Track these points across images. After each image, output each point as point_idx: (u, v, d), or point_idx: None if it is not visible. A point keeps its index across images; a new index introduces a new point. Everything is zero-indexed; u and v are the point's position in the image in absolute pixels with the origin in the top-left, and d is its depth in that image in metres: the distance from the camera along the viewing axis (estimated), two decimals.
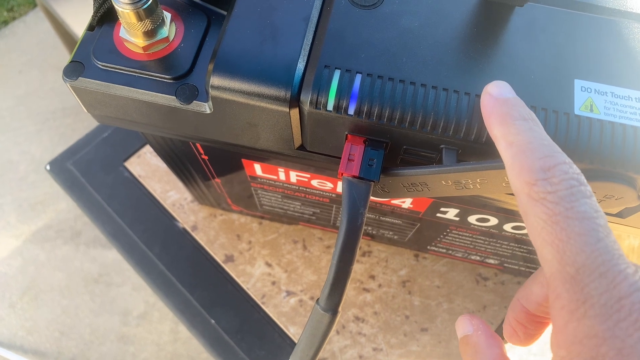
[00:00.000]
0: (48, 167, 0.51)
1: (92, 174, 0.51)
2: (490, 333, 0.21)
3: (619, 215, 0.26)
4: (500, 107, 0.19)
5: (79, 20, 0.94)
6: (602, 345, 0.14)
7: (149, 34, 0.25)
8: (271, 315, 0.45)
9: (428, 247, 0.45)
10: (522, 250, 0.39)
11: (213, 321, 0.45)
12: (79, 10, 0.94)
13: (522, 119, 0.19)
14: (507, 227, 0.35)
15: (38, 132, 1.38)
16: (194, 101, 0.25)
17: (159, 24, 0.25)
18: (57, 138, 1.37)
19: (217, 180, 0.39)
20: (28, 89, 1.44)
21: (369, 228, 0.43)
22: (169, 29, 0.25)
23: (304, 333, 0.25)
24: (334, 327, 0.25)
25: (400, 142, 0.24)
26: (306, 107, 0.23)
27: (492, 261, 0.44)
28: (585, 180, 0.17)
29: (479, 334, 0.21)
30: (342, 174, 0.24)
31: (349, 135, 0.24)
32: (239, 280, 0.46)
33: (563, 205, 0.16)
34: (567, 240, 0.15)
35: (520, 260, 0.42)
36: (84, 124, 1.37)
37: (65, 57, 1.40)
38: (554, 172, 0.16)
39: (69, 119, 1.40)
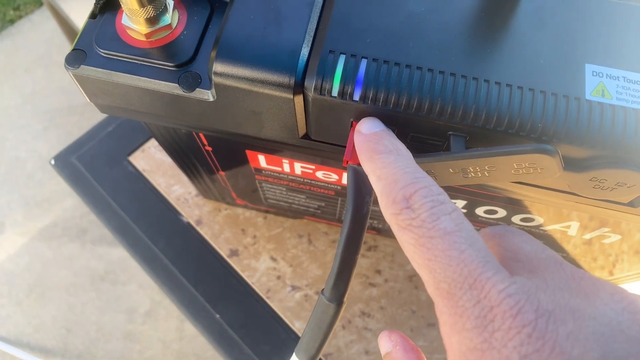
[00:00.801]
0: (52, 162, 0.51)
1: (97, 168, 0.51)
2: (408, 347, 0.21)
3: (631, 204, 0.26)
4: (367, 143, 0.21)
5: (84, 18, 0.94)
6: (482, 358, 0.14)
7: (152, 21, 0.24)
8: (276, 309, 0.45)
9: None
10: None
11: (218, 316, 0.45)
12: (85, 8, 0.94)
13: (387, 152, 0.20)
14: (516, 219, 0.34)
15: (45, 130, 1.38)
16: (197, 89, 0.24)
17: (161, 10, 0.24)
18: (63, 136, 1.37)
19: (222, 173, 0.39)
20: (35, 87, 1.45)
21: (375, 222, 0.43)
22: (172, 16, 0.25)
23: (308, 324, 0.25)
24: (339, 318, 0.24)
25: (406, 129, 0.23)
26: (310, 93, 0.23)
27: None
28: (446, 198, 0.17)
29: (397, 349, 0.21)
30: (347, 162, 0.23)
31: (354, 122, 0.24)
32: (243, 275, 0.46)
33: (426, 227, 0.17)
34: (435, 258, 0.16)
35: None
36: (91, 122, 1.37)
37: None
38: (415, 199, 0.17)
39: (75, 117, 1.40)
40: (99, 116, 0.52)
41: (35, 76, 1.46)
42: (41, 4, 1.57)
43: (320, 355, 0.42)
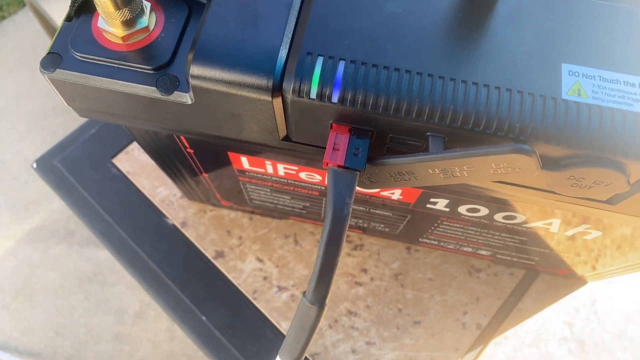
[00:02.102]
0: (35, 165, 0.50)
1: (80, 171, 0.50)
2: None
3: (609, 202, 0.26)
4: None
5: None
6: None
7: (128, 23, 0.24)
8: (263, 310, 0.45)
9: (420, 240, 0.44)
10: (513, 240, 0.39)
11: (204, 317, 0.45)
12: (67, 8, 0.93)
13: None
14: (498, 217, 0.34)
15: (30, 132, 1.37)
16: (175, 92, 0.24)
17: (137, 13, 0.24)
18: (49, 137, 1.36)
19: (205, 175, 0.38)
20: (19, 88, 1.43)
21: (360, 221, 0.43)
22: (149, 19, 0.25)
23: (291, 327, 0.25)
24: (322, 320, 0.24)
25: (385, 131, 0.23)
26: (289, 95, 0.23)
27: (484, 252, 0.44)
28: None
29: None
30: (327, 164, 0.23)
31: (333, 124, 0.24)
32: (229, 276, 0.46)
33: None
34: None
35: (512, 251, 0.42)
36: (76, 122, 1.36)
37: None
38: None
39: (60, 118, 1.39)
40: (83, 118, 0.52)
41: (19, 77, 1.45)
42: (24, 5, 1.55)
43: (306, 355, 0.42)
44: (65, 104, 0.27)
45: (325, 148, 0.24)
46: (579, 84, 0.22)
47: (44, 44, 1.48)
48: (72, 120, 1.37)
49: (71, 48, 0.25)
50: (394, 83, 0.22)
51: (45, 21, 0.97)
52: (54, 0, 0.94)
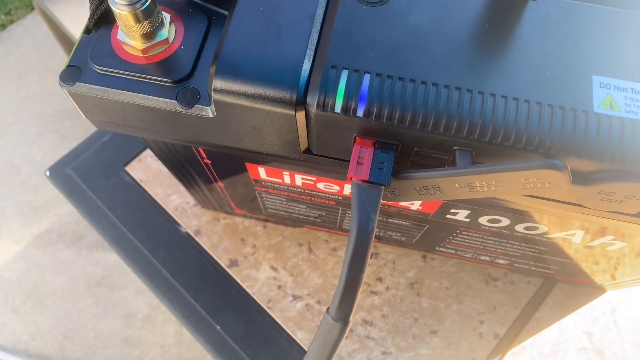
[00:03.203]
0: (48, 173, 0.50)
1: (93, 179, 0.50)
2: None
3: (639, 215, 0.25)
4: None
5: (76, 23, 0.93)
6: None
7: (148, 36, 0.24)
8: (277, 320, 0.44)
9: (436, 248, 0.44)
10: (533, 250, 0.38)
11: (218, 327, 0.44)
12: (77, 12, 0.93)
13: None
14: (519, 227, 0.34)
15: (38, 135, 1.37)
16: (196, 105, 0.24)
17: (157, 25, 0.24)
18: (57, 141, 1.36)
19: (220, 184, 0.38)
20: (27, 92, 1.43)
21: (376, 230, 0.42)
22: (169, 31, 0.24)
23: (313, 343, 0.24)
24: (345, 337, 0.24)
25: (411, 144, 0.23)
26: (313, 109, 0.22)
27: (501, 261, 0.43)
28: None
29: None
30: (351, 179, 0.23)
31: (357, 137, 0.23)
32: (244, 285, 0.46)
33: None
34: None
35: (530, 260, 0.41)
36: (84, 126, 1.36)
37: (63, 59, 1.40)
38: None
39: (68, 122, 1.39)
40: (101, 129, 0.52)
41: (28, 81, 1.45)
42: (32, 9, 1.55)
43: None
44: (84, 116, 0.27)
45: (347, 161, 0.23)
46: (610, 97, 0.22)
47: (53, 48, 1.48)
48: (81, 123, 1.38)
49: (90, 61, 0.24)
50: (421, 96, 0.21)
51: (54, 25, 0.97)
52: (63, 5, 0.94)
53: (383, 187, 0.23)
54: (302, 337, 0.44)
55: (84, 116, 0.27)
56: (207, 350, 0.44)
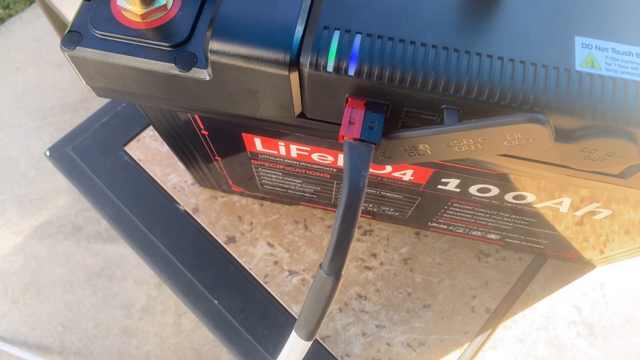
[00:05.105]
0: (48, 153, 0.51)
1: (92, 158, 0.51)
2: None
3: (621, 175, 0.26)
4: None
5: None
6: None
7: (147, 2, 0.24)
8: (274, 294, 0.45)
9: (429, 224, 0.45)
10: (523, 222, 0.39)
11: (216, 302, 0.45)
12: (76, 2, 0.94)
13: None
14: (508, 197, 0.34)
15: (37, 129, 1.38)
16: (193, 68, 0.25)
17: None
18: (56, 134, 1.37)
19: (218, 159, 0.39)
20: (26, 85, 1.44)
21: (370, 206, 0.43)
22: None
23: (307, 299, 0.25)
24: (337, 291, 0.25)
25: (401, 104, 0.24)
26: (306, 69, 0.23)
27: (493, 236, 0.44)
28: None
29: None
30: (343, 137, 0.24)
31: (349, 98, 0.24)
32: (241, 261, 0.46)
33: None
34: None
35: (521, 234, 0.42)
36: (82, 119, 1.37)
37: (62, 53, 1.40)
38: None
39: (67, 115, 1.40)
40: (91, 113, 0.52)
41: (27, 75, 1.46)
42: (31, 2, 1.56)
43: (317, 338, 0.43)
44: (84, 82, 0.28)
45: (340, 125, 0.24)
46: (592, 56, 0.22)
47: (51, 41, 1.49)
48: (80, 117, 1.38)
49: (91, 26, 0.25)
50: (410, 56, 0.22)
51: (54, 15, 0.98)
52: None
53: (374, 146, 0.24)
54: (297, 310, 0.45)
55: (84, 82, 0.28)
56: (205, 325, 0.45)
